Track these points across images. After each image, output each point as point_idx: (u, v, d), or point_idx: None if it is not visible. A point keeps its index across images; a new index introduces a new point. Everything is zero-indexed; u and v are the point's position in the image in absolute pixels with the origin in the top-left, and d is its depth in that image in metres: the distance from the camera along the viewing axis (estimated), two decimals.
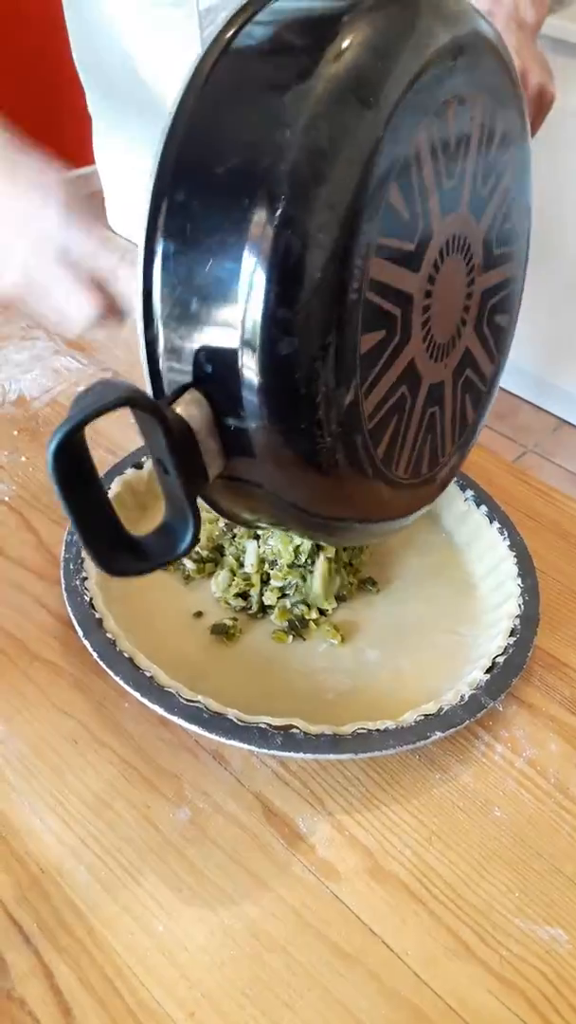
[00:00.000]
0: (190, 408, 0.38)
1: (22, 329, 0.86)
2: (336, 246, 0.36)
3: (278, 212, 0.35)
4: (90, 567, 0.58)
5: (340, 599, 0.61)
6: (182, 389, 0.39)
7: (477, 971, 0.45)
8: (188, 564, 0.62)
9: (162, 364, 0.40)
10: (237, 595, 0.60)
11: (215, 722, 0.50)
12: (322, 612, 0.60)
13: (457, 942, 0.46)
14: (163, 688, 0.51)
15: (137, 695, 0.51)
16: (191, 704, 0.51)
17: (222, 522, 0.64)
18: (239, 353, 0.37)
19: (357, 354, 0.40)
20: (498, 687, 0.54)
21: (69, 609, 0.55)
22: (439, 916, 0.47)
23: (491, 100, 0.47)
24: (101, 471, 0.66)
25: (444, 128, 0.43)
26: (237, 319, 0.37)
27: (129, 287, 0.49)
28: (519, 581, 0.61)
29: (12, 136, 0.54)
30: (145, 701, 0.51)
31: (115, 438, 0.74)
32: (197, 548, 0.63)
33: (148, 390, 0.41)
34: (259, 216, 0.36)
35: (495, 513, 0.66)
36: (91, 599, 0.56)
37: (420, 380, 0.47)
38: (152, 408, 0.36)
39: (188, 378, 0.39)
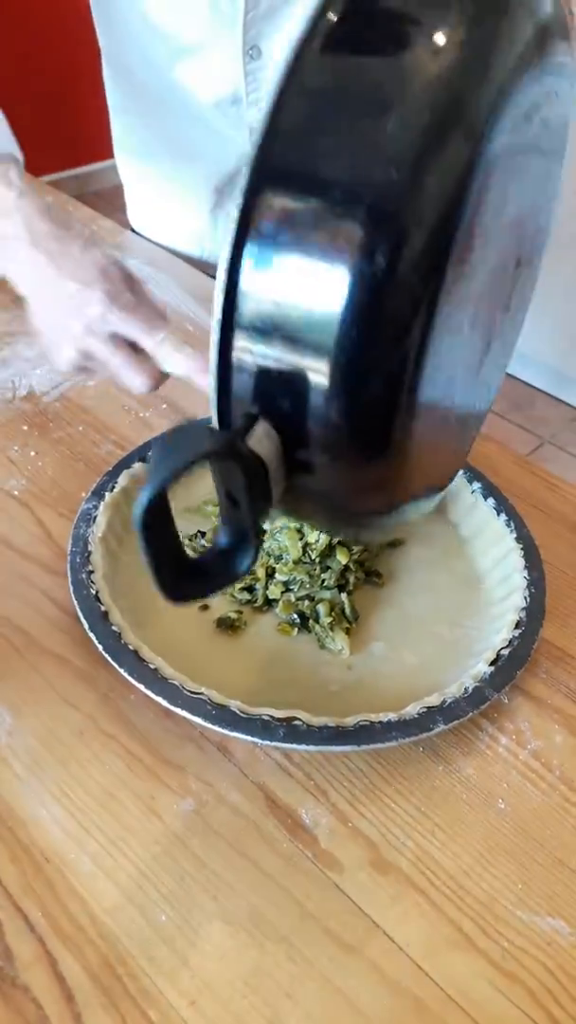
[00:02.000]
0: (263, 442, 0.37)
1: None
2: (429, 288, 0.35)
3: (379, 253, 0.34)
4: (96, 560, 0.58)
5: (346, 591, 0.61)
6: (252, 420, 0.37)
7: (479, 962, 0.45)
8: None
9: (234, 391, 0.38)
10: (242, 589, 0.60)
11: (218, 714, 0.50)
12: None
13: (459, 933, 0.46)
14: (167, 680, 0.52)
15: (141, 687, 0.51)
16: (195, 696, 0.51)
17: None
18: (322, 390, 0.36)
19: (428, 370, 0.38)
20: (503, 679, 0.54)
21: (75, 602, 0.56)
22: (441, 907, 0.47)
23: (563, 82, 0.42)
24: (109, 465, 0.67)
25: (526, 133, 0.40)
26: (323, 356, 0.35)
27: (172, 368, 0.55)
28: (525, 573, 0.60)
29: (52, 204, 0.58)
30: (149, 693, 0.51)
31: (123, 432, 0.74)
32: (202, 542, 0.63)
33: (214, 416, 0.40)
34: (358, 254, 0.34)
35: (502, 505, 0.65)
36: (97, 592, 0.56)
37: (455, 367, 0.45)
38: (236, 454, 0.36)
39: (255, 408, 0.38)
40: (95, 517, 0.61)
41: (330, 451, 0.38)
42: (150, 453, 0.36)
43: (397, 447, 0.38)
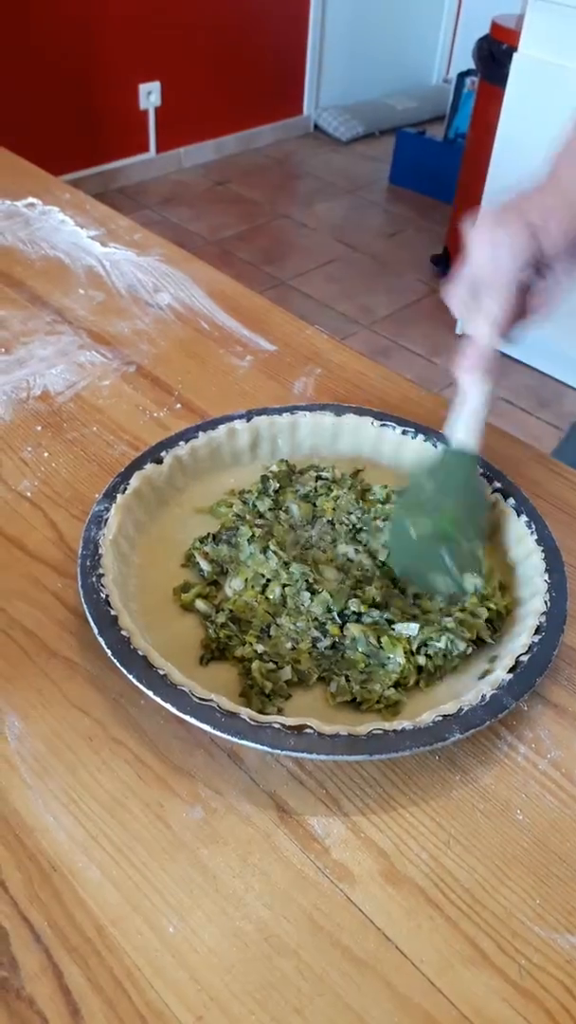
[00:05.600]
0: None
1: (47, 324, 0.86)
2: None
3: None
4: (107, 564, 0.57)
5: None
6: None
7: (494, 980, 0.43)
8: (204, 565, 0.61)
9: None
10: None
11: (228, 722, 0.49)
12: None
13: (474, 949, 0.44)
14: (176, 686, 0.51)
15: (150, 693, 0.50)
16: (204, 703, 0.50)
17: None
18: None
19: None
20: (522, 687, 0.53)
21: (85, 606, 0.55)
22: (456, 922, 0.45)
23: None
24: (122, 466, 0.66)
25: None
26: None
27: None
28: (546, 577, 0.59)
29: None
30: (158, 699, 0.50)
31: (137, 432, 0.74)
32: (212, 545, 0.62)
33: None
34: None
35: (523, 506, 0.64)
36: (107, 596, 0.55)
37: None
38: None
39: None
40: (106, 519, 0.61)
41: None
42: None
43: None
